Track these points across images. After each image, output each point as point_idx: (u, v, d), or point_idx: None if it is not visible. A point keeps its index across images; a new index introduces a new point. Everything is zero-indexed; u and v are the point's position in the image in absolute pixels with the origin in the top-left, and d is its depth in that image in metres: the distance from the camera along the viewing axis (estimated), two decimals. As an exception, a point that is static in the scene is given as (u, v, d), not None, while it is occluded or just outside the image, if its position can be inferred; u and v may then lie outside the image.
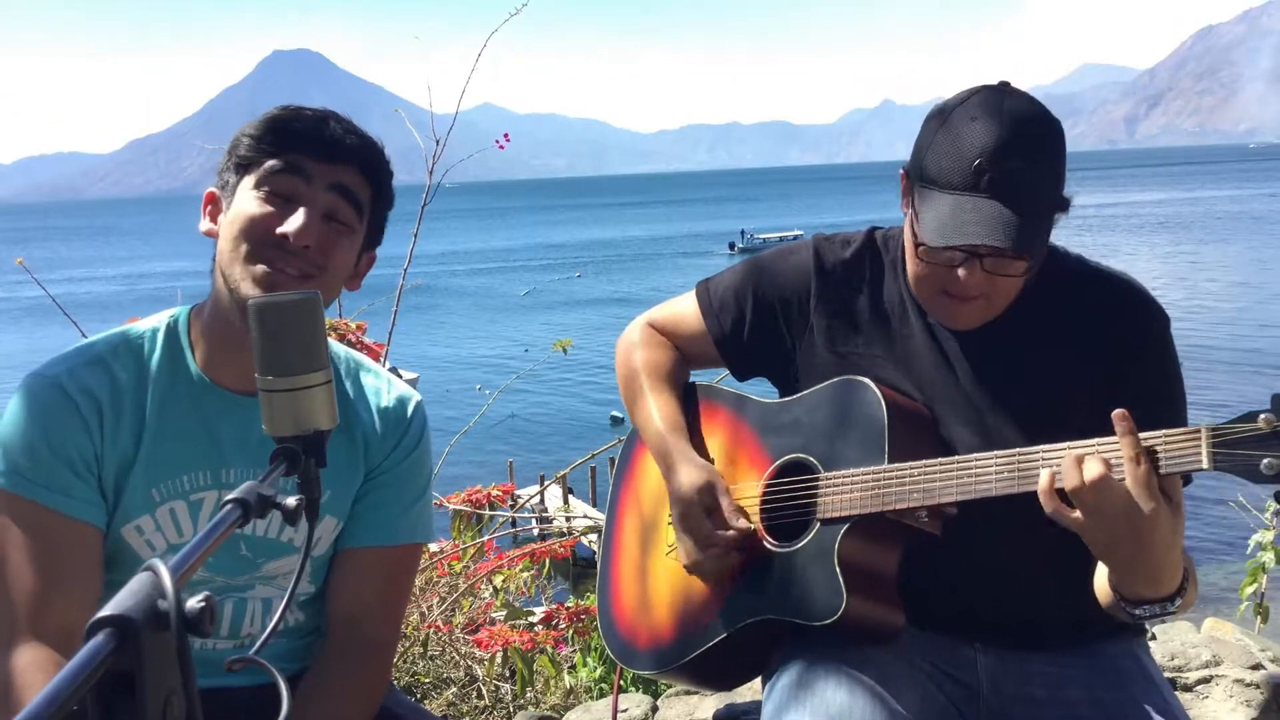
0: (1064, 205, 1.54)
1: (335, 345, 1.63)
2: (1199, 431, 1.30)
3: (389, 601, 1.66)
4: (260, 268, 1.43)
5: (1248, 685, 2.67)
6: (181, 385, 1.49)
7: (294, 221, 1.42)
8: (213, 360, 1.50)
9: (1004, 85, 1.55)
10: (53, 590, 1.40)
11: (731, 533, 1.64)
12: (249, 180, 1.46)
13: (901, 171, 1.63)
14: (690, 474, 1.70)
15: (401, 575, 1.69)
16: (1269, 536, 3.97)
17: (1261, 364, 28.58)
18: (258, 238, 1.43)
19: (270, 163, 1.45)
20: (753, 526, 1.66)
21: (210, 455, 1.50)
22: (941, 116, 1.54)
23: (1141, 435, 1.33)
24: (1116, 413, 1.32)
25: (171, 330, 1.52)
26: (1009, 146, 1.46)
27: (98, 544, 1.46)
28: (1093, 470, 1.32)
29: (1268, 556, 3.97)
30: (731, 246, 70.28)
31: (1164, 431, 1.32)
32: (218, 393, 1.50)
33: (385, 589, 1.63)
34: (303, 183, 1.45)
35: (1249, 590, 4.02)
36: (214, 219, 1.51)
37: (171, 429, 1.47)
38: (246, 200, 1.45)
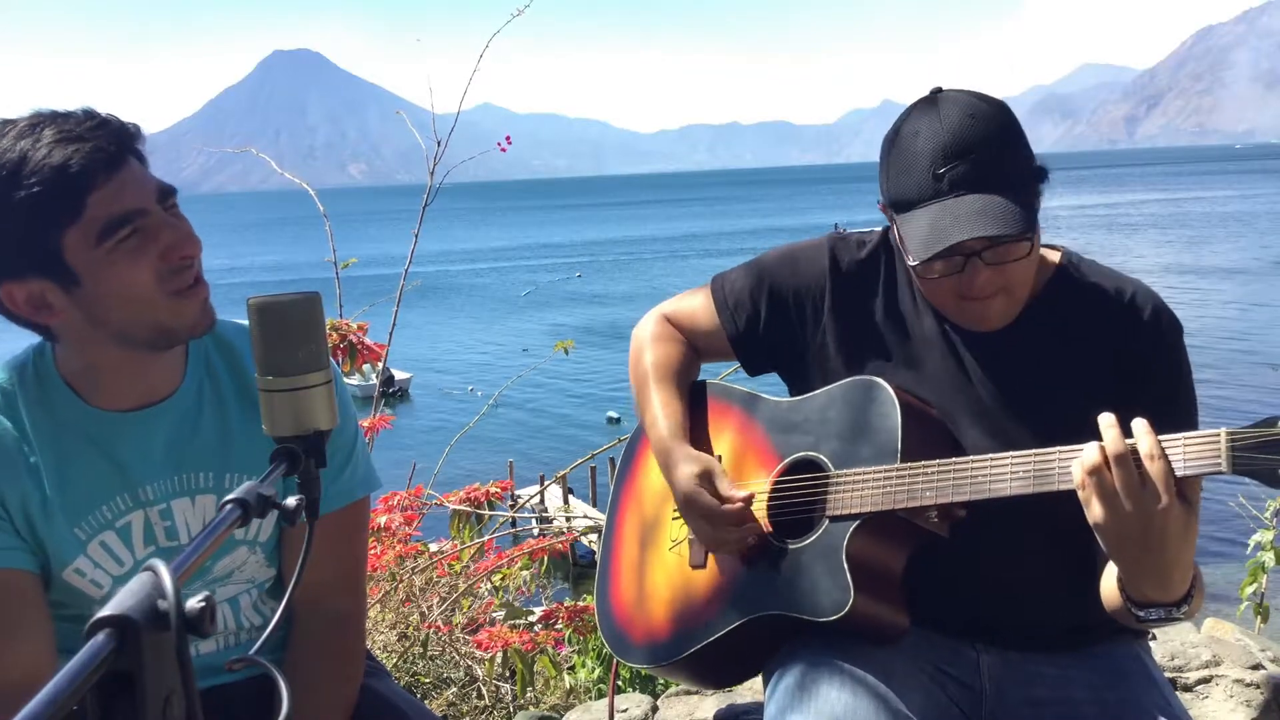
0: (1040, 174, 1.55)
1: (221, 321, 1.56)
2: (1219, 435, 1.30)
3: (346, 569, 1.63)
4: None
5: (1248, 685, 2.66)
6: (67, 423, 1.45)
7: None
8: (97, 388, 1.46)
9: (936, 90, 1.58)
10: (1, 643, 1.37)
11: (737, 504, 1.64)
12: None
13: (879, 205, 1.65)
14: (687, 466, 1.71)
15: (353, 536, 1.64)
16: (1269, 536, 3.97)
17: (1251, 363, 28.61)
18: None
19: None
20: (750, 493, 1.67)
21: (120, 480, 1.47)
22: (890, 143, 1.59)
23: (1163, 437, 1.33)
24: (1136, 421, 1.32)
25: (39, 374, 1.47)
26: (957, 141, 1.49)
27: (34, 588, 1.42)
28: (1115, 445, 1.31)
29: (1268, 556, 3.97)
30: None
31: (1184, 434, 1.32)
32: (107, 417, 1.46)
33: (339, 558, 1.59)
34: None
35: (1249, 590, 4.02)
36: None
37: (71, 469, 1.44)
38: None
